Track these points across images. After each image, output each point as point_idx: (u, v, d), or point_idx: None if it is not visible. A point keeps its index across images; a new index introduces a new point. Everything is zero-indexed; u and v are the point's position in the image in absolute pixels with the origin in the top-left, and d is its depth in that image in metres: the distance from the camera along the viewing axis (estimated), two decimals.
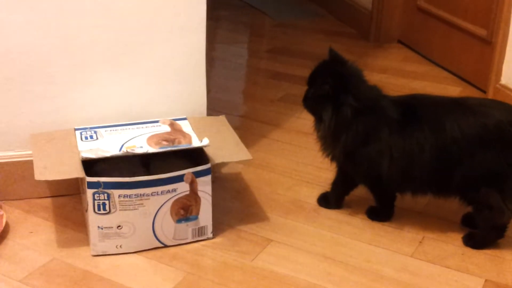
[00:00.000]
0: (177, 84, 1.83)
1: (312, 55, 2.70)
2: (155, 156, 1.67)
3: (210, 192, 1.61)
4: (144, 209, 1.55)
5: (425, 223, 1.76)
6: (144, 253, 1.60)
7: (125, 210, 1.54)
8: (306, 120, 1.82)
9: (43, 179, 1.55)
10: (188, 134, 1.68)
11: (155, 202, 1.55)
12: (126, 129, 1.70)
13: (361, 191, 1.80)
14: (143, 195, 1.53)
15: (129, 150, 1.57)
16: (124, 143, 1.62)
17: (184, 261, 1.58)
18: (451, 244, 1.69)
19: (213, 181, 1.63)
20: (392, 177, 1.65)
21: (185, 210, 1.59)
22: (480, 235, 1.68)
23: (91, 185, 1.50)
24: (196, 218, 1.62)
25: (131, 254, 1.59)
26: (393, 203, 1.77)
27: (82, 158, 1.54)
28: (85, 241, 1.62)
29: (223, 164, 1.95)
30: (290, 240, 1.68)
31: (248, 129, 2.30)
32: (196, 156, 1.65)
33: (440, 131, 1.59)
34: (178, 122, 1.75)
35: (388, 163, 1.63)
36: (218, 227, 1.70)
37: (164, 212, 1.57)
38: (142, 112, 1.80)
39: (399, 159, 1.62)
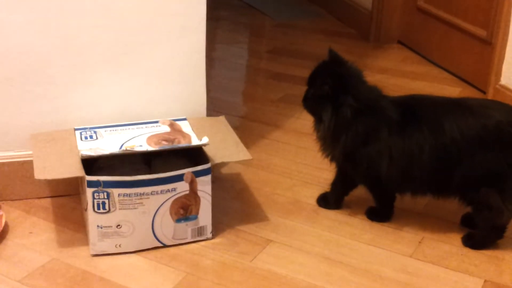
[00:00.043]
0: (177, 84, 1.83)
1: (312, 55, 2.70)
2: (156, 157, 1.68)
3: (210, 192, 1.61)
4: (144, 208, 1.55)
5: (424, 224, 1.76)
6: (143, 253, 1.60)
7: (125, 209, 1.54)
8: (305, 121, 1.82)
9: (43, 178, 1.56)
10: (187, 134, 1.68)
11: (154, 201, 1.56)
12: (125, 129, 1.70)
13: (360, 192, 1.80)
14: (143, 194, 1.54)
15: (128, 149, 1.57)
16: (123, 143, 1.62)
17: (184, 262, 1.58)
18: (451, 244, 1.69)
19: (213, 181, 1.63)
20: (391, 177, 1.65)
21: (184, 210, 1.60)
22: (479, 236, 1.68)
23: (90, 183, 1.50)
24: (195, 218, 1.62)
25: (131, 254, 1.59)
26: (392, 203, 1.78)
27: (82, 156, 1.54)
28: (85, 241, 1.63)
29: (223, 164, 1.95)
30: (290, 241, 1.68)
31: (248, 129, 2.30)
32: (196, 156, 1.65)
33: (439, 132, 1.59)
34: (177, 122, 1.75)
35: (388, 163, 1.63)
36: (218, 227, 1.70)
37: (163, 211, 1.57)
38: (142, 113, 1.80)
39: (399, 160, 1.62)
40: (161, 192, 1.55)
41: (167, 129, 1.71)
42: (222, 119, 1.86)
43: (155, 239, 1.61)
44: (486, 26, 2.62)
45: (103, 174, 1.53)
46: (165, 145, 1.62)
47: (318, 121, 1.68)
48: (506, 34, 2.44)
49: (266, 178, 1.98)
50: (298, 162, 2.08)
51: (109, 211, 1.53)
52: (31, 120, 1.74)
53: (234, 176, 1.99)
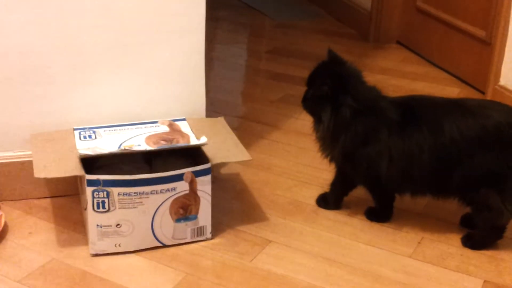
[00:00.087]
0: (176, 84, 1.83)
1: (311, 55, 2.70)
2: (156, 157, 1.68)
3: (209, 192, 1.61)
4: (143, 208, 1.55)
5: (424, 224, 1.76)
6: (143, 253, 1.60)
7: (124, 208, 1.54)
8: (305, 121, 1.83)
9: (43, 176, 1.55)
10: (186, 134, 1.68)
11: (154, 201, 1.56)
12: (124, 129, 1.71)
13: (360, 192, 1.80)
14: (143, 193, 1.54)
15: (126, 148, 1.57)
16: (122, 143, 1.62)
17: (183, 262, 1.58)
18: (450, 245, 1.69)
19: (213, 182, 1.63)
20: (391, 178, 1.66)
21: (184, 210, 1.60)
22: (479, 236, 1.68)
23: (90, 182, 1.50)
24: (195, 217, 1.62)
25: (130, 255, 1.59)
26: (392, 204, 1.78)
27: (80, 155, 1.54)
28: (84, 242, 1.63)
29: (223, 164, 1.96)
30: (289, 241, 1.68)
31: (247, 129, 2.30)
32: (195, 157, 1.65)
33: (439, 132, 1.59)
34: (177, 122, 1.75)
35: (387, 164, 1.63)
36: (217, 227, 1.70)
37: (163, 211, 1.57)
38: (141, 113, 1.80)
39: (398, 160, 1.62)
40: (161, 191, 1.55)
41: (166, 129, 1.71)
42: (221, 120, 1.86)
43: (155, 239, 1.61)
44: (486, 26, 2.63)
45: (103, 173, 1.53)
46: (163, 145, 1.62)
47: (318, 121, 1.68)
48: (505, 35, 2.44)
49: (265, 179, 1.99)
50: (297, 162, 2.09)
51: (108, 210, 1.53)
52: (31, 120, 1.74)
53: (234, 176, 1.99)
